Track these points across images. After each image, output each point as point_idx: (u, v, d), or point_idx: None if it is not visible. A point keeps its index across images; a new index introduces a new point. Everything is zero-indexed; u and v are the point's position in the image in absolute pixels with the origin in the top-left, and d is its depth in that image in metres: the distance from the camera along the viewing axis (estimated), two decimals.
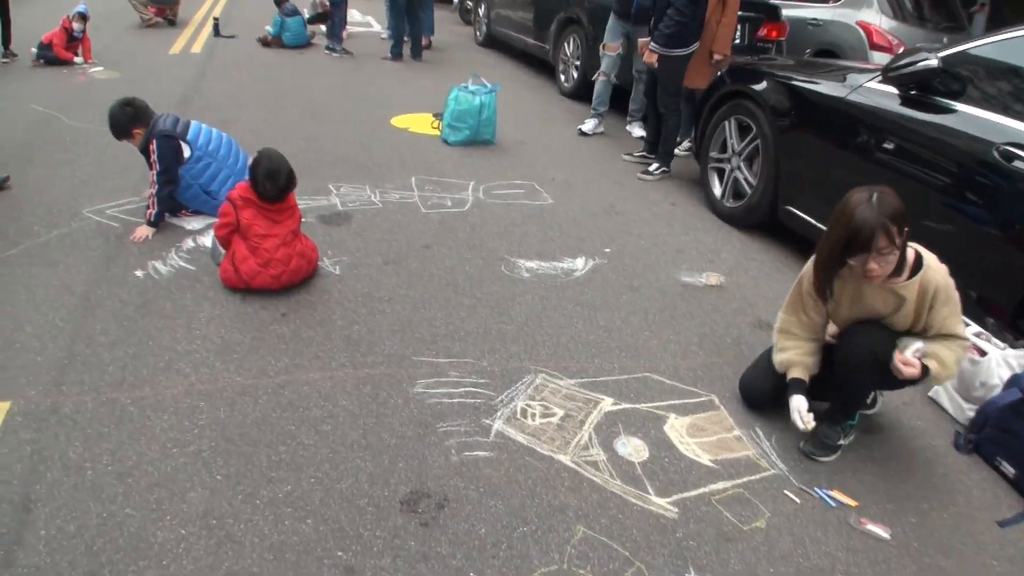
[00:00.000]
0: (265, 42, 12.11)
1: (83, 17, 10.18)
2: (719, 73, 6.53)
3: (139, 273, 4.61)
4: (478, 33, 13.79)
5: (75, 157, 6.47)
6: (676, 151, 7.54)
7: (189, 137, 5.10)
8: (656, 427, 3.58)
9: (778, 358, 3.56)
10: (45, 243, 4.95)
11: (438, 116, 8.10)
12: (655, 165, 7.13)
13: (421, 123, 8.05)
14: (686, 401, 3.81)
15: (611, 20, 8.01)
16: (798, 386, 3.46)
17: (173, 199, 5.14)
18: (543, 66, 11.46)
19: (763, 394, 3.70)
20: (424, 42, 12.14)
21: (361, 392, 3.65)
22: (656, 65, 6.72)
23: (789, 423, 3.42)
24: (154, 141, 4.89)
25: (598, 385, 3.87)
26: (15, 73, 9.68)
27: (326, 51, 11.74)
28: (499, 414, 3.56)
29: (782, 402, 3.52)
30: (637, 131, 8.51)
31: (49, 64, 9.99)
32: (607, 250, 5.46)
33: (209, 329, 4.09)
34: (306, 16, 12.33)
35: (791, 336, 3.53)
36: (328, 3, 11.74)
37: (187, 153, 5.09)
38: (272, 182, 4.23)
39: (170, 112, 5.32)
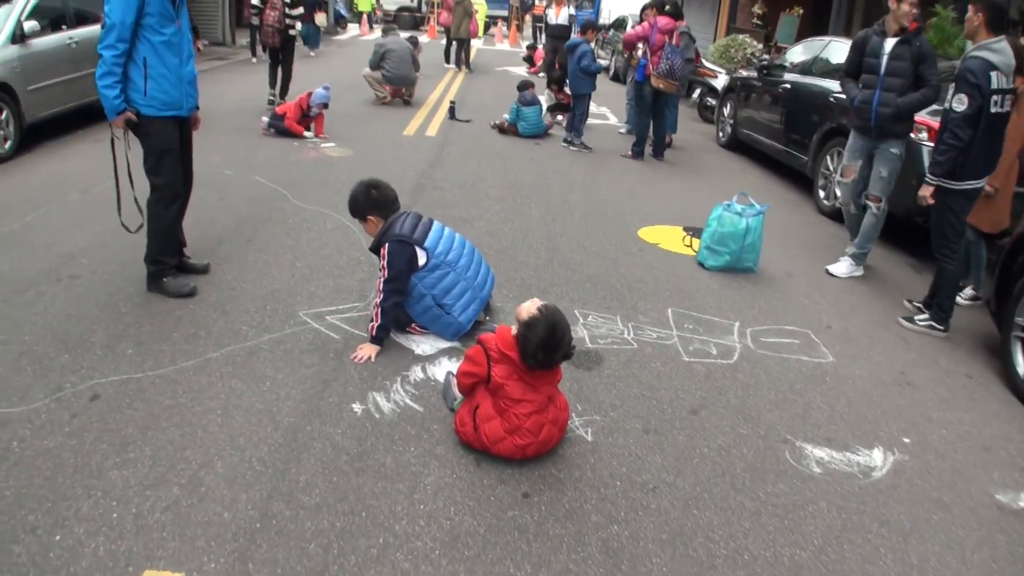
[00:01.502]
0: (501, 128, 11.75)
1: (324, 106, 10.06)
2: None
3: (357, 408, 3.99)
4: (720, 134, 12.91)
5: (297, 244, 6.04)
6: (959, 299, 6.42)
7: (427, 243, 4.56)
8: None
9: None
10: (253, 349, 4.48)
11: (689, 231, 7.24)
12: (923, 318, 5.99)
13: (672, 238, 7.19)
14: None
15: (850, 139, 6.97)
16: None
17: (400, 309, 4.61)
18: (796, 177, 10.37)
19: None
20: (667, 139, 11.32)
21: None
22: (931, 201, 5.58)
23: None
24: (387, 244, 4.46)
25: None
26: (245, 139, 9.64)
27: (564, 143, 11.20)
28: None
29: None
30: (838, 269, 7.14)
31: (279, 135, 9.87)
32: (906, 440, 4.38)
33: (436, 504, 3.37)
34: (544, 105, 11.78)
35: None
36: (570, 94, 11.15)
37: (422, 260, 4.54)
38: (548, 354, 3.50)
39: (412, 211, 4.86)
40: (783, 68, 10.91)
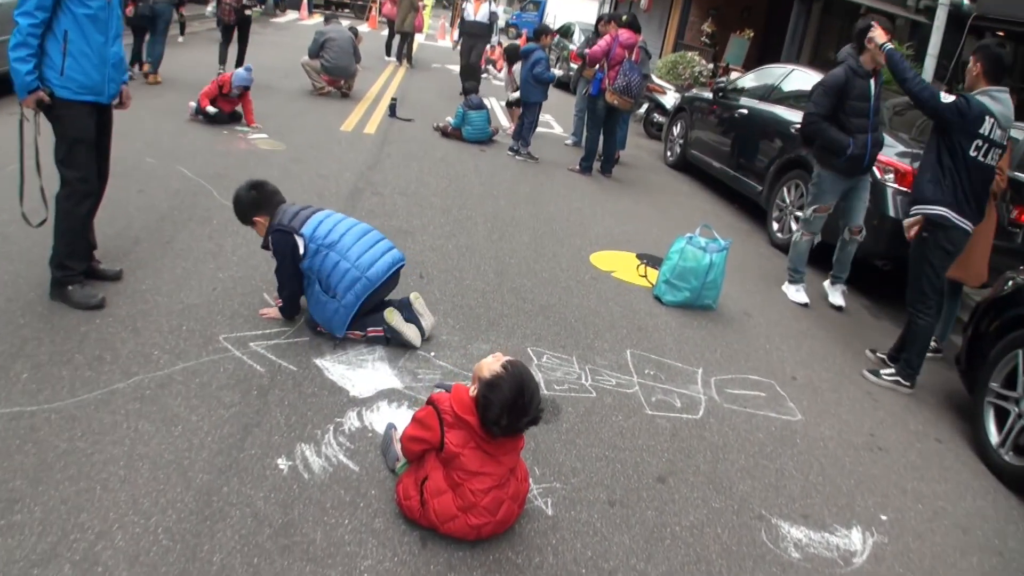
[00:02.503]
0: (444, 132, 11.20)
1: (246, 89, 9.38)
2: (1010, 279, 5.14)
3: (282, 464, 3.44)
4: (668, 153, 12.59)
5: (220, 250, 5.42)
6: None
7: (304, 229, 4.37)
8: None
9: None
10: (165, 380, 3.89)
11: (644, 259, 6.81)
12: (889, 372, 5.71)
13: (625, 266, 6.75)
14: None
15: (828, 178, 6.68)
16: None
17: (296, 302, 4.63)
18: (746, 203, 10.05)
19: None
20: (615, 156, 10.91)
21: None
22: (911, 237, 5.40)
23: None
24: (270, 236, 4.39)
25: None
26: (172, 123, 8.87)
27: (509, 152, 10.72)
28: None
29: None
30: (837, 298, 7.16)
31: (209, 121, 9.10)
32: (883, 518, 4.03)
33: None
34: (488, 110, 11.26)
35: None
36: (521, 101, 10.64)
37: (302, 248, 4.36)
38: (514, 420, 2.95)
39: (298, 203, 4.58)
40: (740, 92, 10.56)
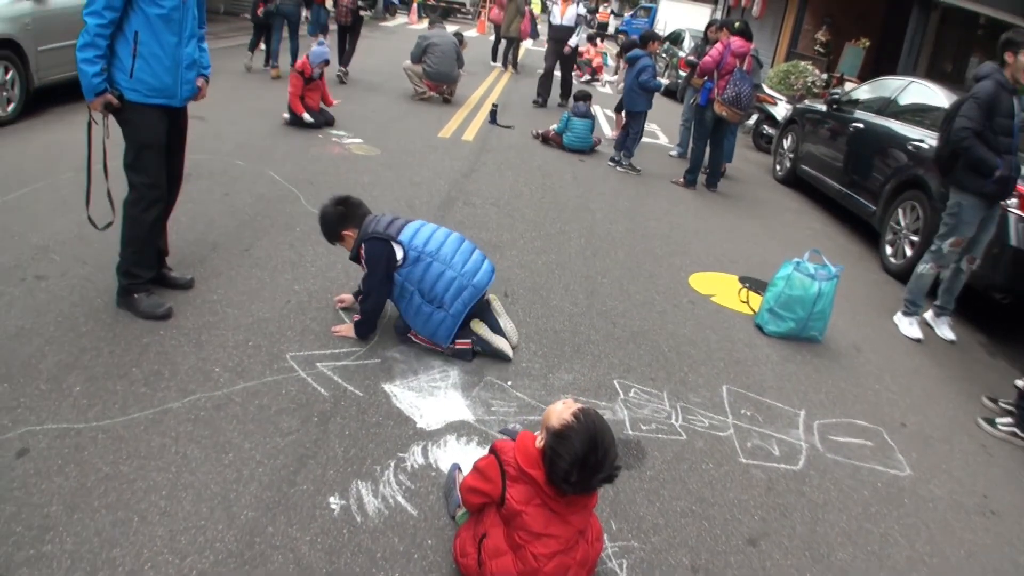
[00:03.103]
0: (545, 138, 10.92)
1: (326, 63, 9.28)
2: None
3: (335, 503, 3.21)
4: (778, 167, 12.02)
5: (300, 260, 5.25)
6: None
7: (402, 237, 4.27)
8: None
9: None
10: (222, 401, 3.72)
11: (746, 283, 6.38)
12: (1006, 422, 5.18)
13: (726, 289, 6.33)
14: None
15: (969, 206, 6.04)
16: None
17: (375, 318, 4.46)
18: (859, 224, 9.46)
19: None
20: (722, 169, 10.43)
21: None
22: None
23: None
24: (363, 245, 4.22)
25: None
26: (267, 124, 8.81)
27: (610, 163, 10.36)
28: None
29: None
30: (946, 331, 6.61)
31: (304, 125, 9.10)
32: None
33: None
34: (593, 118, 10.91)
35: None
36: (626, 112, 10.27)
37: (400, 255, 4.24)
38: (585, 477, 2.63)
39: (386, 213, 4.44)
40: (855, 104, 9.96)
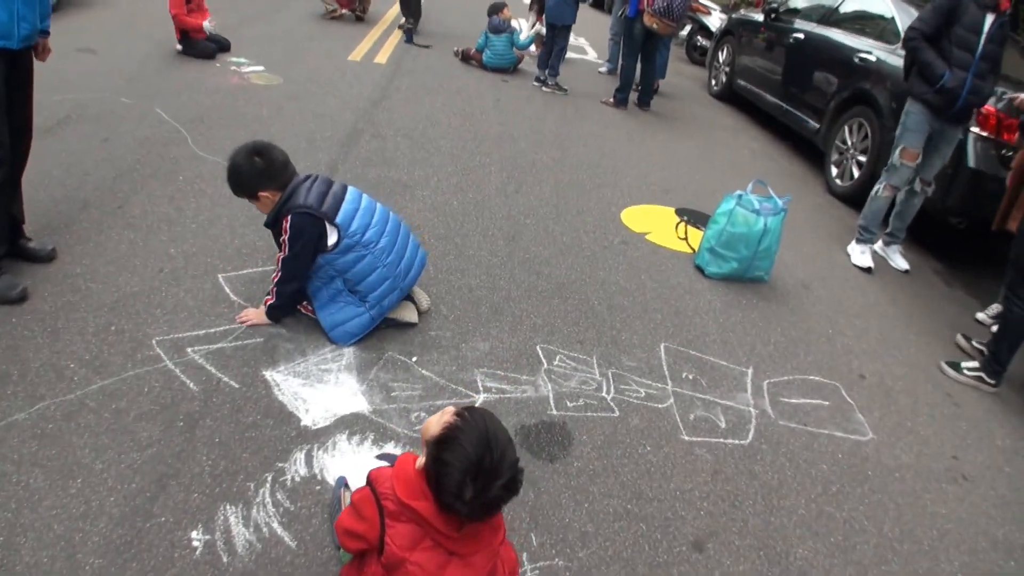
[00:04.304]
0: (465, 56, 10.06)
1: None
2: None
3: (197, 538, 2.57)
4: (713, 82, 11.39)
5: (179, 216, 4.51)
6: (983, 315, 5.57)
7: (339, 218, 3.52)
8: None
9: None
10: (75, 406, 3.05)
11: (684, 216, 5.78)
12: (972, 366, 4.78)
13: (663, 225, 5.73)
14: None
15: (915, 113, 5.63)
16: None
17: (300, 294, 3.73)
18: (800, 142, 8.89)
19: None
20: (654, 85, 9.73)
21: None
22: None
23: None
24: (289, 216, 3.45)
25: None
26: (160, 60, 7.81)
27: (535, 83, 9.59)
28: None
29: None
30: (899, 260, 6.21)
31: (199, 56, 8.12)
32: None
33: None
34: (521, 38, 10.06)
35: None
36: (545, 27, 9.45)
37: (332, 239, 3.53)
38: (481, 486, 2.00)
39: (319, 174, 3.62)
40: (795, 13, 9.29)
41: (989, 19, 5.23)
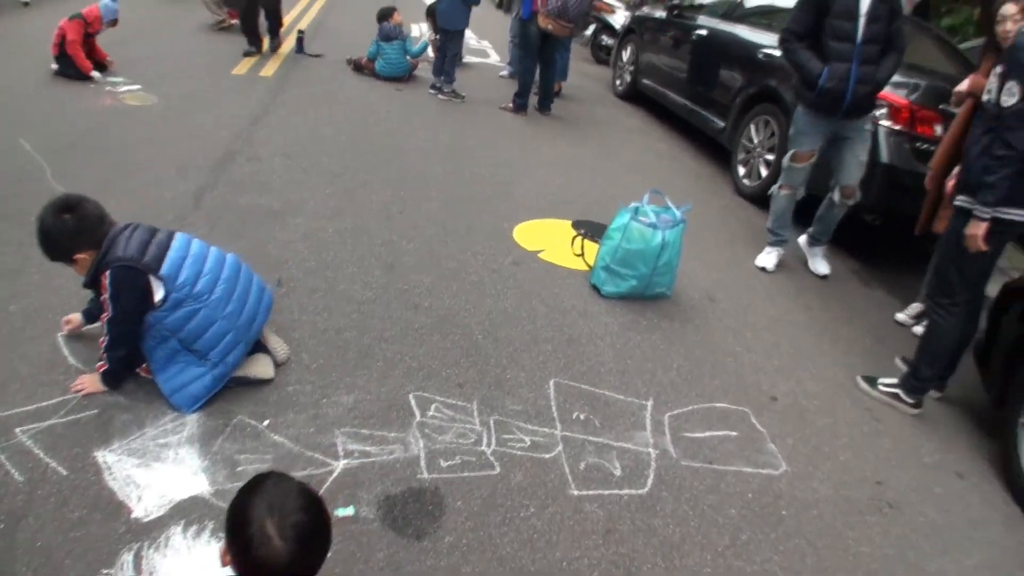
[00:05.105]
0: (357, 65, 9.58)
1: (114, 23, 7.69)
2: None
3: None
4: (618, 82, 11.07)
5: (23, 266, 3.98)
6: (902, 315, 5.34)
7: (164, 270, 3.08)
8: None
9: None
10: None
11: (580, 230, 5.40)
12: (888, 382, 4.42)
13: (559, 241, 5.33)
14: None
15: (804, 115, 5.36)
16: None
17: (135, 356, 3.23)
18: (707, 142, 8.59)
19: None
20: (555, 88, 9.34)
21: None
22: (983, 246, 3.80)
23: None
24: (108, 272, 3.00)
25: None
26: (31, 83, 7.15)
27: (431, 91, 9.11)
28: None
29: None
30: (820, 265, 5.88)
31: (75, 77, 7.54)
32: None
33: None
34: (413, 46, 9.58)
35: None
36: (438, 31, 8.99)
37: (159, 295, 3.08)
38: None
39: (140, 223, 3.15)
40: (698, 9, 8.98)
41: (867, 3, 4.87)
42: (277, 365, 3.55)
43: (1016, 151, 3.48)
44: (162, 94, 7.43)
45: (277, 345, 3.63)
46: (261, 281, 3.57)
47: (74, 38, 7.43)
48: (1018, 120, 3.45)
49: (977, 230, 3.70)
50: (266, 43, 9.77)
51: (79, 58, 7.48)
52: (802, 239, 5.94)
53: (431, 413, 3.43)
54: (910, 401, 4.20)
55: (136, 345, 3.21)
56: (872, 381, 4.34)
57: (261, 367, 3.47)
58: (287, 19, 11.85)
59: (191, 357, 3.23)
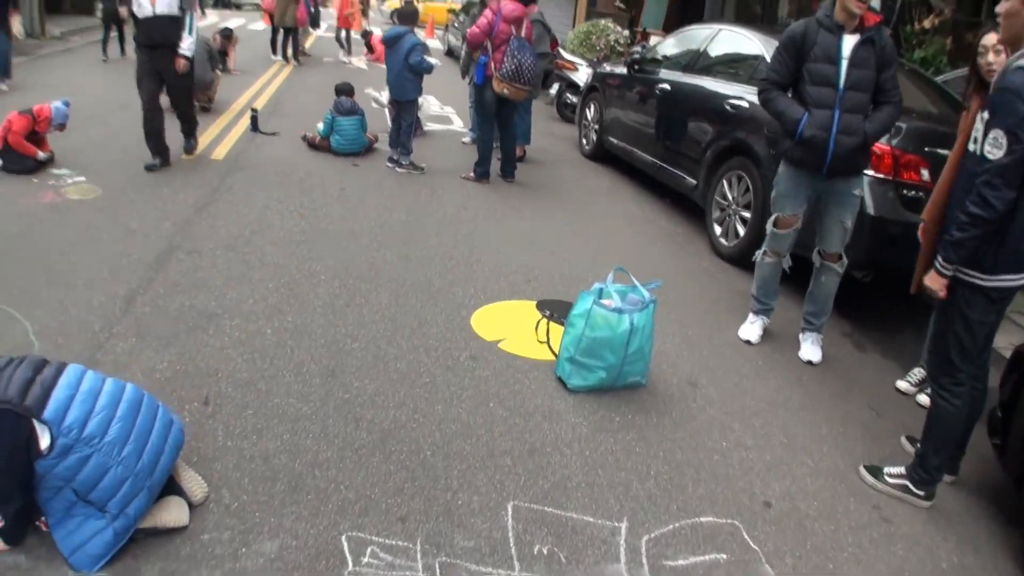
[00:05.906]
0: (312, 143, 9.11)
1: (62, 127, 7.34)
2: None
3: None
4: (584, 141, 10.66)
5: None
6: (903, 383, 4.89)
7: (49, 412, 2.66)
8: None
9: None
10: None
11: (545, 311, 4.92)
12: (896, 472, 3.90)
13: (521, 327, 4.86)
14: None
15: (786, 174, 4.93)
16: None
17: (33, 508, 2.80)
18: (679, 198, 8.14)
19: None
20: (518, 153, 8.92)
21: None
22: (941, 295, 3.42)
23: None
24: None
25: None
26: None
27: (388, 164, 8.68)
28: None
29: None
30: (809, 351, 5.20)
31: (18, 172, 7.19)
32: None
33: None
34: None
35: None
36: (391, 102, 8.59)
37: (44, 441, 2.66)
38: None
39: (26, 356, 2.78)
40: (659, 62, 8.62)
41: (847, 41, 4.53)
42: (193, 507, 3.01)
43: (995, 212, 3.03)
44: (107, 184, 7.00)
45: (193, 484, 3.14)
46: (168, 413, 3.09)
47: (18, 130, 7.14)
48: (1002, 178, 3.00)
49: (934, 283, 3.33)
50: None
51: (23, 147, 7.19)
52: (800, 334, 5.41)
53: (366, 560, 2.91)
54: (920, 494, 3.69)
55: (32, 497, 2.81)
56: (876, 472, 3.83)
57: (172, 514, 2.99)
58: (244, 96, 11.47)
59: (90, 509, 2.80)
